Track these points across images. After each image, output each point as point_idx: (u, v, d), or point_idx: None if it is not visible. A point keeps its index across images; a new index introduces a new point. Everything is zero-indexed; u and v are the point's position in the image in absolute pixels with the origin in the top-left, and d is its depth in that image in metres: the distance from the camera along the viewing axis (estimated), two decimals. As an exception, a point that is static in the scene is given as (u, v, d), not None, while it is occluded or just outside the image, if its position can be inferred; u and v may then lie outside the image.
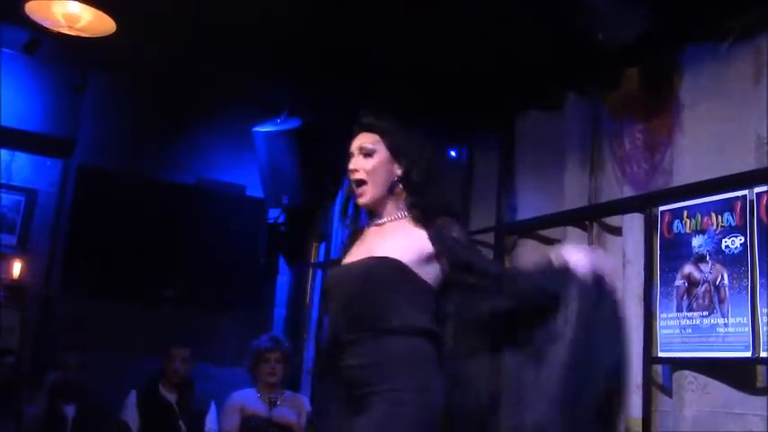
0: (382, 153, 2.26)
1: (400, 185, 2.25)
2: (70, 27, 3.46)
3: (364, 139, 2.28)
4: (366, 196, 2.26)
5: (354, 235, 2.36)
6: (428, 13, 3.27)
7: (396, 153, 2.25)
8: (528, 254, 3.56)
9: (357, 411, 2.08)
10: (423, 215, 2.21)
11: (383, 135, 2.26)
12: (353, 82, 3.95)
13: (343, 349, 2.16)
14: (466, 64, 3.55)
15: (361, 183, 2.26)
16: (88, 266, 4.41)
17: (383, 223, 2.27)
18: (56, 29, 3.52)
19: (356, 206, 2.34)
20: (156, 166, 4.85)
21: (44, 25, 3.55)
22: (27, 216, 4.45)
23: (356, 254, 2.26)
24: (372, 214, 2.32)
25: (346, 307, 2.18)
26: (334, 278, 2.31)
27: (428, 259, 2.15)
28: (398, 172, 2.25)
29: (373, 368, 2.09)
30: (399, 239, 2.17)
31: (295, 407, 4.06)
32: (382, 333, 2.10)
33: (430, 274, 2.14)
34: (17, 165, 4.47)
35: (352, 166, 2.27)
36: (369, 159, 2.26)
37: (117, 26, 3.53)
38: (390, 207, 2.27)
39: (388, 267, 2.14)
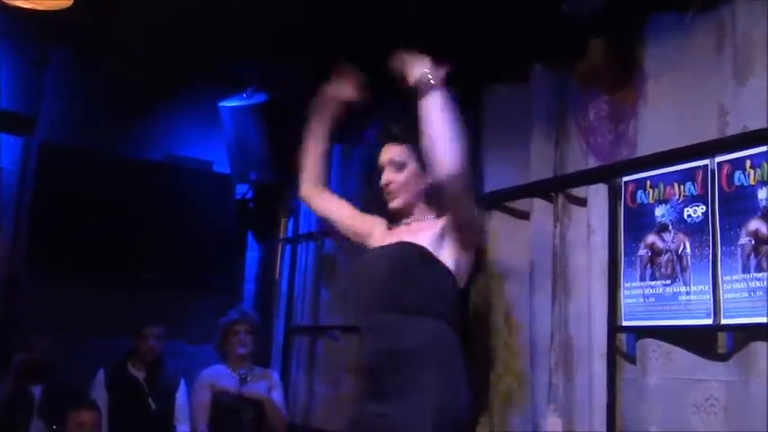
0: (413, 166, 2.36)
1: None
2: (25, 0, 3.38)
3: (394, 152, 2.39)
4: (397, 202, 2.38)
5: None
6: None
7: (426, 167, 2.32)
8: (495, 225, 3.57)
9: (380, 400, 2.14)
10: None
11: (413, 149, 2.34)
12: (319, 57, 3.90)
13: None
14: (431, 38, 3.52)
15: (394, 192, 2.38)
16: (53, 245, 4.34)
17: (410, 222, 2.38)
18: (10, 2, 3.43)
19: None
20: (122, 143, 4.77)
21: (-2, -2, 3.46)
22: (-11, 195, 4.37)
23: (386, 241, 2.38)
24: (401, 214, 2.42)
25: (372, 288, 2.28)
26: (362, 262, 2.40)
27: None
28: (429, 180, 2.33)
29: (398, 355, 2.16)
30: (425, 230, 2.30)
31: (265, 381, 4.06)
32: (408, 314, 2.18)
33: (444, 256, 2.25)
34: (-23, 142, 4.37)
35: (384, 179, 2.39)
36: (400, 173, 2.37)
37: (74, -1, 3.45)
38: (422, 208, 2.39)
39: (411, 251, 2.25)
